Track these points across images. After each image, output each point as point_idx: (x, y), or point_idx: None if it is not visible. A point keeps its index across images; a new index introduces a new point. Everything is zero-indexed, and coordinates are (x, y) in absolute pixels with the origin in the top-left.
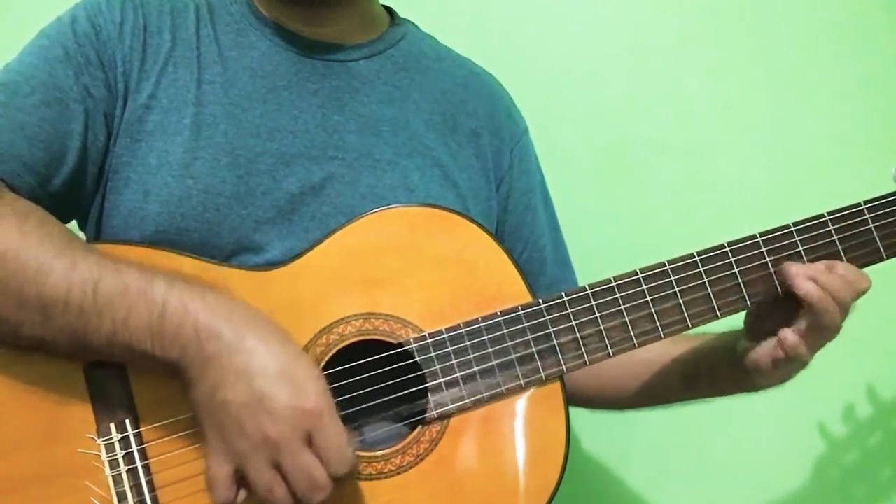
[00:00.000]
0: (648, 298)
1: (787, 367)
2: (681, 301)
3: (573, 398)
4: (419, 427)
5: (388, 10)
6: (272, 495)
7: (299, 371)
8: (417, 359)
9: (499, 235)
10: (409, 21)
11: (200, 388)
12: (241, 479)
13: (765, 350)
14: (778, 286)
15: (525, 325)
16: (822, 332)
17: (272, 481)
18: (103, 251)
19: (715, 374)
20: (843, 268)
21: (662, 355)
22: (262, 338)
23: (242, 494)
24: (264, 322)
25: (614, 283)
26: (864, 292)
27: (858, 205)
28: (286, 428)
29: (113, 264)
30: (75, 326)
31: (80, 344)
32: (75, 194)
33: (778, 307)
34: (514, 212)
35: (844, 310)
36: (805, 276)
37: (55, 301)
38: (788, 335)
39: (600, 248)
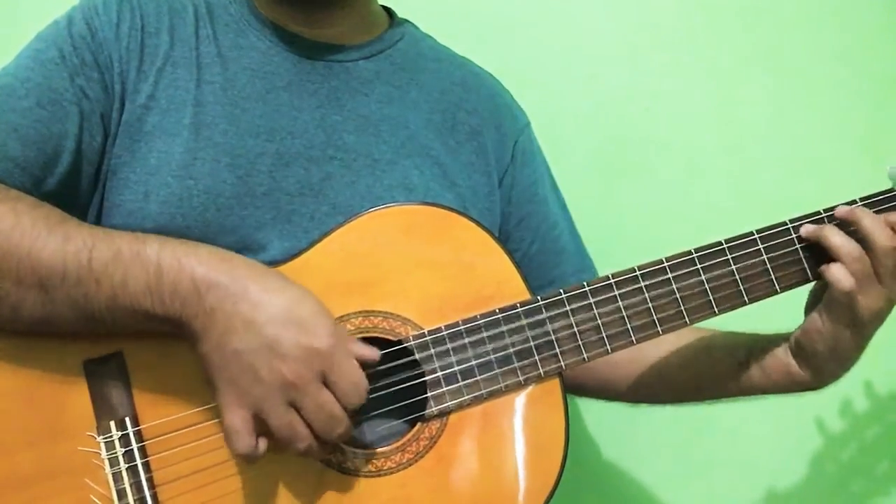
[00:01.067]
0: (647, 295)
1: (843, 343)
2: (679, 297)
3: (605, 392)
4: (418, 424)
5: (388, 10)
6: (295, 435)
7: (306, 311)
8: (416, 356)
9: (505, 229)
10: (408, 21)
11: (208, 340)
12: (259, 427)
13: (819, 313)
14: (776, 282)
15: (524, 322)
16: (872, 281)
17: (293, 421)
18: None
19: (769, 360)
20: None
21: (714, 343)
22: (263, 283)
23: (263, 443)
24: (262, 268)
25: (612, 281)
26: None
27: (854, 202)
28: (300, 368)
29: (105, 232)
30: (75, 296)
31: (82, 314)
32: (70, 195)
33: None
34: (518, 204)
35: (885, 258)
36: (831, 228)
37: (52, 273)
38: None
39: (599, 247)
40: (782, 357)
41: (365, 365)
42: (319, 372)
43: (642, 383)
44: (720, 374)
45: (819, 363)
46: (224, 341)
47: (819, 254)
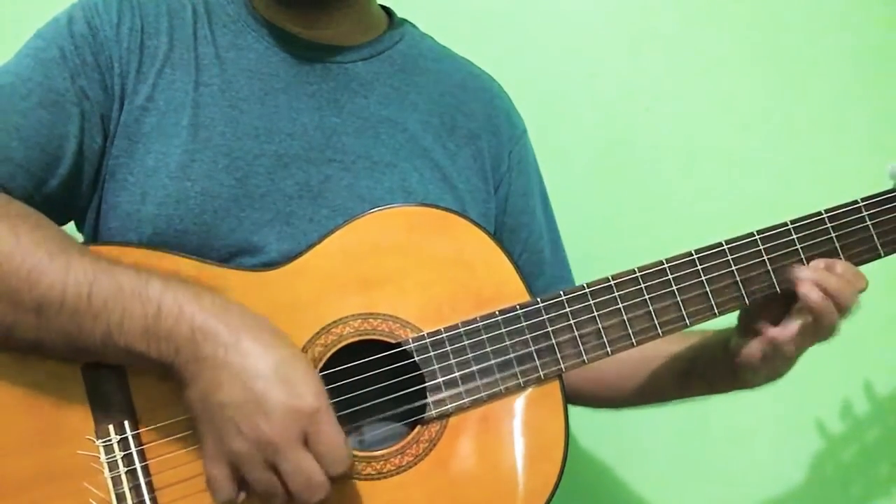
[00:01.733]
0: (647, 297)
1: (776, 363)
2: (679, 299)
3: (570, 398)
4: (418, 427)
5: (387, 10)
6: (270, 495)
7: (294, 371)
8: (416, 359)
9: (497, 237)
10: (407, 22)
11: (195, 388)
12: (240, 479)
13: (755, 346)
14: (777, 285)
15: (523, 324)
16: (819, 333)
17: (270, 482)
18: (98, 252)
19: (708, 372)
20: (841, 267)
21: (657, 353)
22: (257, 338)
23: (243, 495)
24: (260, 322)
25: (612, 282)
26: (861, 291)
27: (856, 202)
28: (282, 428)
29: (108, 265)
30: (69, 328)
31: (75, 345)
32: (71, 196)
33: (772, 303)
34: (511, 214)
35: (845, 312)
36: (812, 283)
37: (50, 303)
38: (778, 334)
39: (600, 248)
40: (724, 370)
41: (364, 367)
42: (302, 434)
43: (583, 394)
44: (662, 384)
45: (759, 380)
46: (210, 393)
47: None
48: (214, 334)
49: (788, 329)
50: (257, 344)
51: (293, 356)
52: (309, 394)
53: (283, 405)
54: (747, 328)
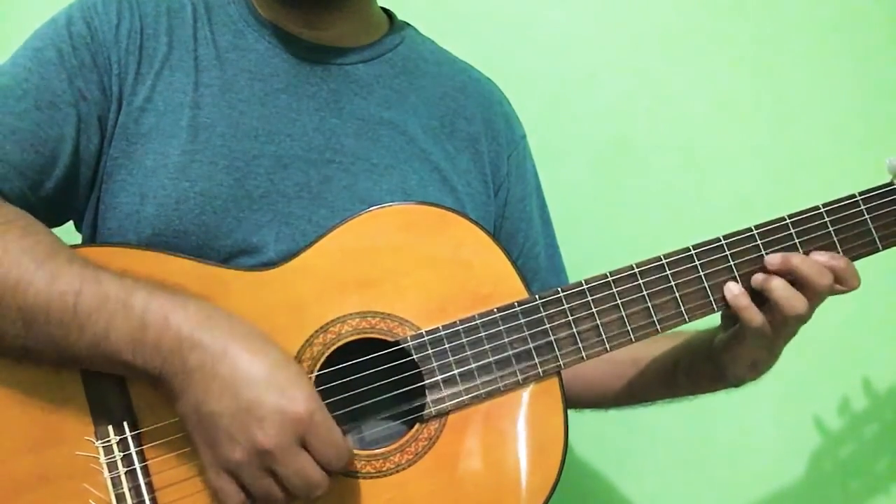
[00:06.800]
0: (645, 293)
1: (760, 360)
2: (677, 295)
3: None
4: (417, 425)
5: (388, 13)
6: (271, 500)
7: (284, 376)
8: (414, 356)
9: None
10: (408, 24)
11: (186, 400)
12: (243, 486)
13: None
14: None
15: (522, 321)
16: (787, 325)
17: (269, 488)
18: (86, 254)
19: (693, 371)
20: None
21: (644, 354)
22: (245, 346)
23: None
24: (247, 329)
25: (610, 279)
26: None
27: (853, 196)
28: (276, 434)
29: (94, 273)
30: (56, 337)
31: (63, 354)
32: (68, 197)
33: (756, 299)
34: (510, 218)
35: (815, 298)
36: (745, 297)
37: (36, 312)
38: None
39: (599, 248)
40: (709, 369)
41: (363, 365)
42: (298, 437)
43: (579, 395)
44: (649, 385)
45: (744, 373)
46: (201, 403)
47: None
48: (201, 344)
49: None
50: (246, 351)
51: (282, 361)
52: (300, 397)
53: (275, 411)
54: (730, 324)
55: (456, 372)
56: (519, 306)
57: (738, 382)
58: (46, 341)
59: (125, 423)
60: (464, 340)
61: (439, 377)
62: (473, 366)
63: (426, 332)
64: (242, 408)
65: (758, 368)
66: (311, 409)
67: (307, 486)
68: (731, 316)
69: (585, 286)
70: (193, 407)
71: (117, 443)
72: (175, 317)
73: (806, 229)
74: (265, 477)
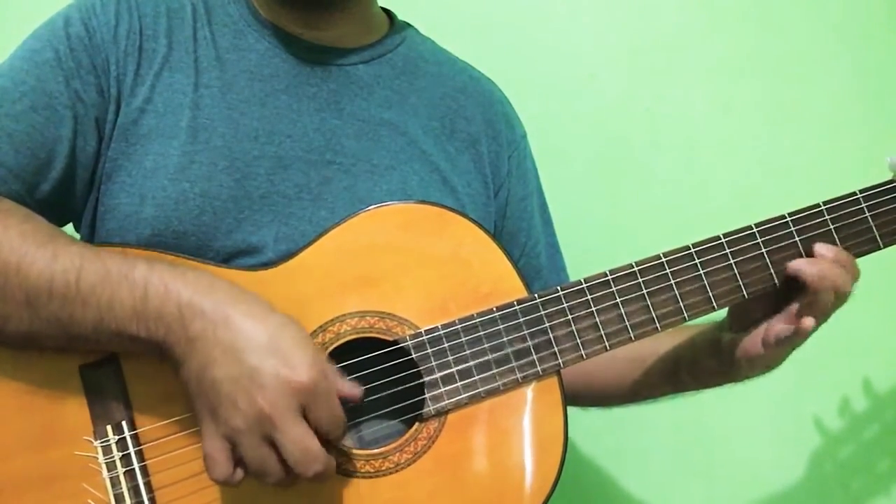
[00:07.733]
0: (644, 291)
1: (774, 355)
2: (677, 293)
3: None
4: (416, 424)
5: (388, 13)
6: (265, 469)
7: (287, 341)
8: (413, 356)
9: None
10: (408, 24)
11: (189, 366)
12: (238, 459)
13: (755, 339)
14: (774, 276)
15: (521, 319)
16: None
17: (265, 455)
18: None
19: (697, 368)
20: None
21: (647, 352)
22: (246, 312)
23: (240, 471)
24: (247, 296)
25: (610, 277)
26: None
27: (854, 194)
28: (278, 401)
29: (94, 252)
30: (60, 315)
31: (68, 333)
32: (65, 200)
33: (765, 297)
34: (511, 218)
35: (842, 297)
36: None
37: (39, 292)
38: (777, 325)
39: (599, 247)
40: (714, 366)
41: (362, 365)
42: (299, 405)
43: (581, 394)
44: (652, 383)
45: (755, 373)
46: (203, 369)
47: None
48: (202, 311)
49: (785, 316)
50: (247, 317)
51: (285, 325)
52: (303, 364)
53: (278, 377)
54: (739, 322)
55: (455, 371)
56: (518, 305)
57: (744, 379)
58: (51, 320)
59: (124, 423)
60: (463, 340)
61: (438, 376)
62: (472, 365)
63: (425, 331)
64: (244, 374)
65: (770, 368)
66: (312, 377)
67: (305, 457)
68: (741, 315)
69: (585, 285)
70: (196, 374)
71: (116, 443)
72: (175, 285)
73: (807, 227)
74: (263, 446)
